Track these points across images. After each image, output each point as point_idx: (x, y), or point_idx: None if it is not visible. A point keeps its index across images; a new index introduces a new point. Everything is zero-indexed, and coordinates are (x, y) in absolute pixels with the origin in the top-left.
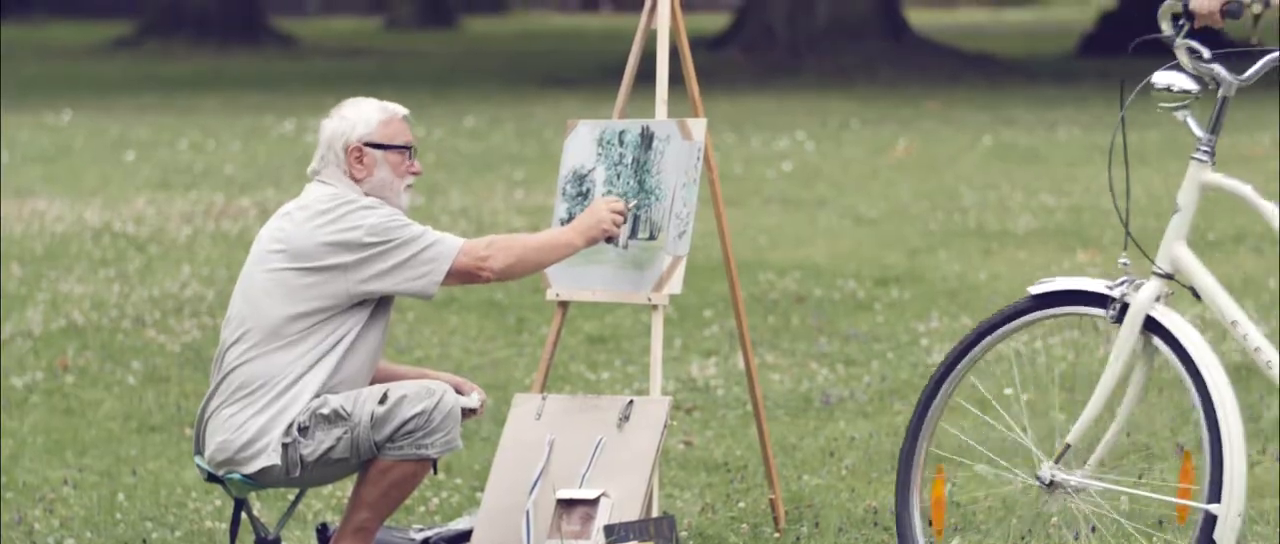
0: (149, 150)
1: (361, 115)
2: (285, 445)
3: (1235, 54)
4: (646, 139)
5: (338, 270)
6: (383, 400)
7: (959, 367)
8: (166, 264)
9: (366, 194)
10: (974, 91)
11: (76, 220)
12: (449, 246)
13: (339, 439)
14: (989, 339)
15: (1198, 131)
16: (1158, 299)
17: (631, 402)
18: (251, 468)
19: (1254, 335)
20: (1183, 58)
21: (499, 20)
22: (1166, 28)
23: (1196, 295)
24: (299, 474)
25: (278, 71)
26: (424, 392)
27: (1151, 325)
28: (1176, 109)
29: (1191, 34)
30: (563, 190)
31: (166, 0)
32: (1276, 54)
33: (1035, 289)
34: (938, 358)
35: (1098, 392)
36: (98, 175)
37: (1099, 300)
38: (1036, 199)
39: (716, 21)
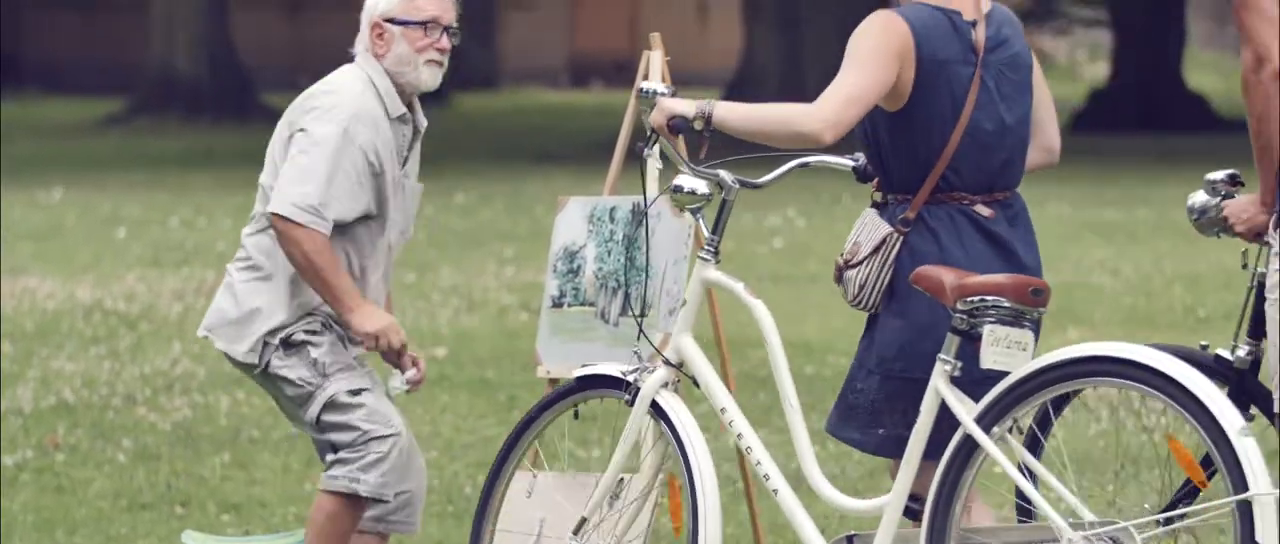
0: (140, 227)
1: None
2: (265, 344)
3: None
4: (638, 216)
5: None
6: (356, 393)
7: (521, 442)
8: (158, 341)
9: (388, 70)
10: None
11: (68, 298)
12: (307, 199)
13: (300, 383)
14: (546, 415)
15: (705, 232)
16: (665, 386)
17: (622, 479)
18: (230, 349)
19: (739, 422)
20: (650, 168)
21: (490, 96)
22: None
23: (695, 383)
24: (259, 375)
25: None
26: (385, 420)
27: (657, 410)
28: (693, 209)
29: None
30: (554, 267)
31: (158, 77)
32: (795, 162)
33: (577, 372)
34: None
35: (610, 467)
36: (89, 252)
37: (621, 384)
38: None
39: (707, 98)
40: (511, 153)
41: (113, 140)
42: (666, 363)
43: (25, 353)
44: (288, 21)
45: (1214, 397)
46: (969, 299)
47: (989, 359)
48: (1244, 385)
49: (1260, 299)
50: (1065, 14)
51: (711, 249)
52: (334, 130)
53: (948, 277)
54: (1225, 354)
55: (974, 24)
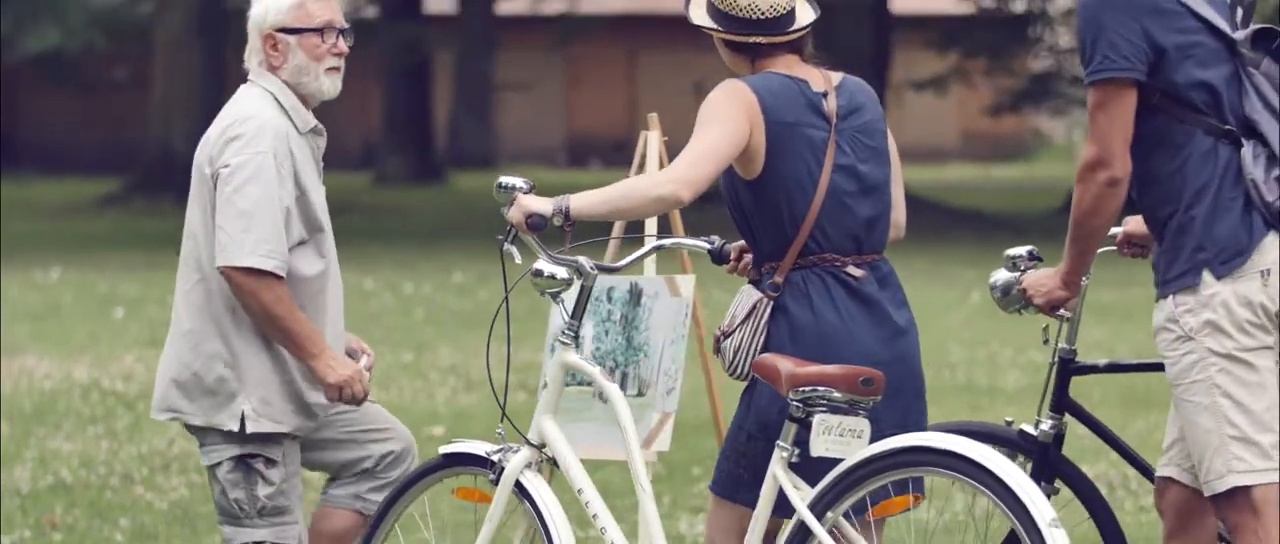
0: (137, 307)
1: (275, 1)
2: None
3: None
4: (635, 296)
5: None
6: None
7: (386, 518)
8: (155, 421)
9: (287, 82)
10: (963, 247)
11: (65, 378)
12: (264, 244)
13: (234, 504)
14: (409, 491)
15: (564, 317)
16: (528, 466)
17: None
18: (209, 419)
19: (596, 504)
20: (509, 261)
21: (488, 175)
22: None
23: (555, 464)
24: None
25: None
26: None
27: (521, 490)
28: (553, 294)
29: (517, 240)
30: (552, 347)
31: (155, 158)
32: (653, 245)
33: (444, 449)
34: (924, 514)
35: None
36: (86, 333)
37: (486, 463)
38: (1025, 355)
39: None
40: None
41: (110, 220)
42: (529, 444)
43: (23, 433)
44: None
45: (1027, 488)
46: (801, 389)
47: (819, 447)
48: (1048, 459)
49: (1063, 375)
50: (1062, 94)
51: (571, 334)
52: (261, 159)
53: (784, 365)
54: (1029, 429)
55: (824, 94)
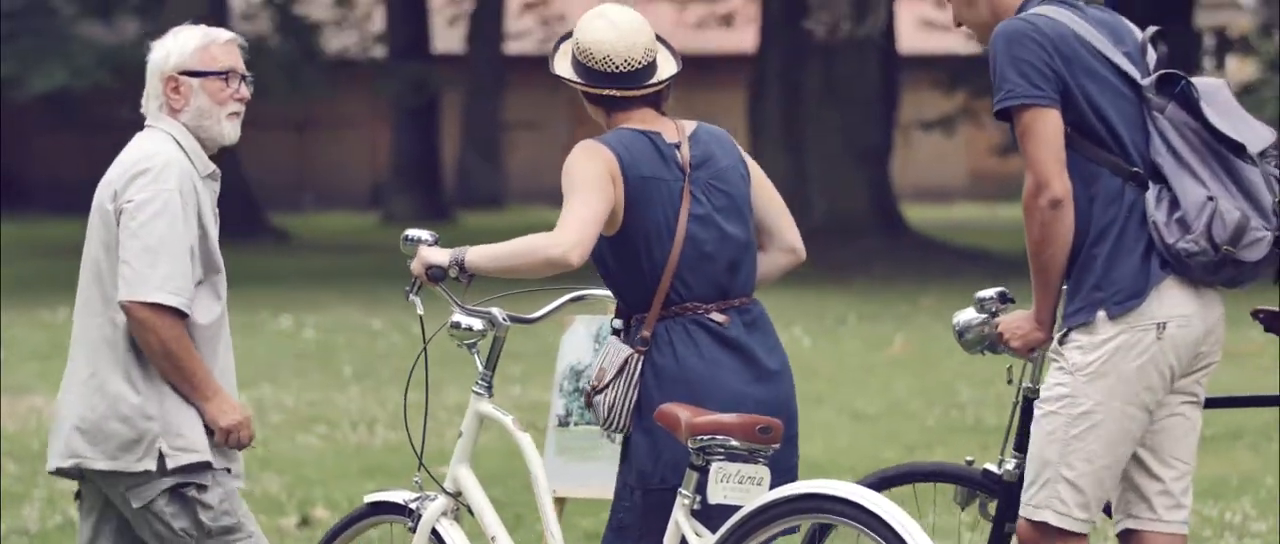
0: None
1: (178, 43)
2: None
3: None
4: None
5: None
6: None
7: None
8: None
9: (188, 126)
10: (970, 287)
11: None
12: (171, 280)
13: (181, 535)
14: (338, 540)
15: (479, 367)
16: (444, 514)
17: None
18: (115, 465)
19: None
20: (418, 310)
21: (496, 215)
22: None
23: (470, 511)
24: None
25: (274, 267)
26: None
27: (437, 537)
28: (467, 345)
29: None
30: (560, 386)
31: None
32: (566, 297)
33: (369, 498)
34: None
35: None
36: None
37: (406, 511)
38: None
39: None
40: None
41: None
42: (444, 492)
43: (30, 472)
44: (293, 141)
45: (917, 535)
46: (699, 437)
47: (716, 494)
48: (1012, 498)
49: (1027, 413)
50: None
51: (485, 383)
52: (169, 195)
53: (682, 414)
54: (993, 469)
55: (677, 145)
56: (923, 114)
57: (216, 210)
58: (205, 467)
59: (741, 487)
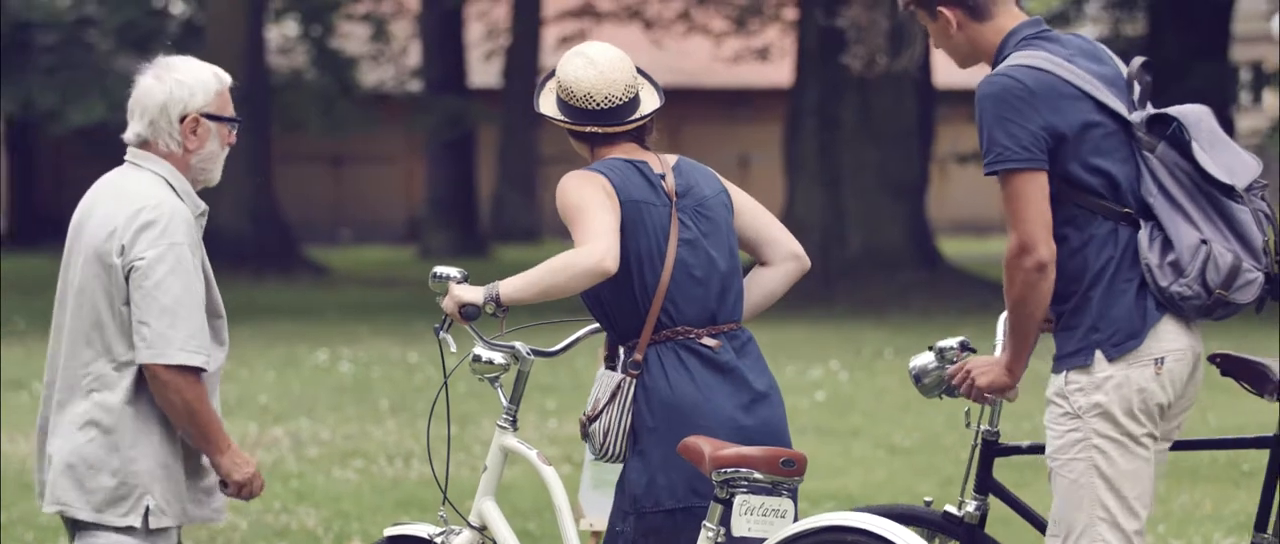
0: None
1: (200, 81)
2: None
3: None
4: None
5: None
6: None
7: None
8: None
9: (192, 166)
10: None
11: None
12: (193, 339)
13: None
14: None
15: (504, 401)
16: None
17: None
18: (102, 517)
19: None
20: (444, 348)
21: (532, 249)
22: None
23: None
24: None
25: (312, 301)
26: None
27: None
28: (490, 379)
29: (451, 328)
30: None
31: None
32: (587, 330)
33: (389, 531)
34: None
35: None
36: None
37: None
38: None
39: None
40: (553, 305)
41: None
42: (469, 526)
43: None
44: (329, 175)
45: None
46: (722, 470)
47: (740, 527)
48: (974, 539)
49: (986, 456)
50: None
51: (510, 417)
52: (179, 250)
53: (706, 447)
54: (953, 510)
55: (662, 175)
56: (959, 147)
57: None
58: (171, 532)
59: (766, 519)
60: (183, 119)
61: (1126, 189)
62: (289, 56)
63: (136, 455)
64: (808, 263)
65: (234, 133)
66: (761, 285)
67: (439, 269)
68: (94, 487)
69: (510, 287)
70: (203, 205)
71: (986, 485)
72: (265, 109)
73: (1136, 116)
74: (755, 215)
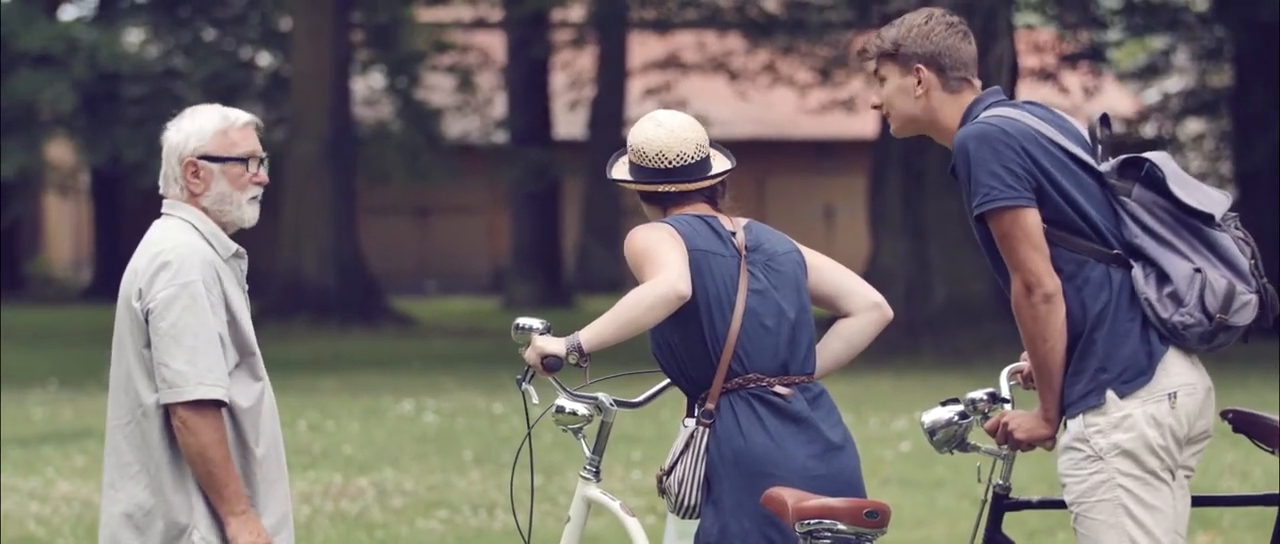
0: None
1: (197, 126)
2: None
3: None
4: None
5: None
6: None
7: None
8: None
9: (207, 209)
10: None
11: None
12: (211, 374)
13: None
14: None
15: (587, 452)
16: None
17: None
18: None
19: None
20: (526, 399)
21: (615, 299)
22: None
23: None
24: None
25: (396, 352)
26: None
27: None
28: (573, 430)
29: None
30: None
31: (286, 283)
32: (666, 382)
33: None
34: None
35: None
36: None
37: None
38: None
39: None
40: (639, 357)
41: None
42: None
43: None
44: (414, 227)
45: None
46: (806, 522)
47: None
48: None
49: (996, 511)
50: None
51: (592, 468)
52: (193, 287)
53: (790, 498)
54: None
55: (733, 232)
56: None
57: (246, 288)
58: None
59: None
60: (182, 162)
61: (1110, 235)
62: (375, 108)
63: (177, 503)
64: (889, 312)
65: (259, 171)
66: (844, 336)
67: (521, 320)
68: (149, 527)
69: (590, 333)
70: (233, 247)
71: (996, 541)
72: (351, 161)
73: (1107, 165)
74: (831, 270)
